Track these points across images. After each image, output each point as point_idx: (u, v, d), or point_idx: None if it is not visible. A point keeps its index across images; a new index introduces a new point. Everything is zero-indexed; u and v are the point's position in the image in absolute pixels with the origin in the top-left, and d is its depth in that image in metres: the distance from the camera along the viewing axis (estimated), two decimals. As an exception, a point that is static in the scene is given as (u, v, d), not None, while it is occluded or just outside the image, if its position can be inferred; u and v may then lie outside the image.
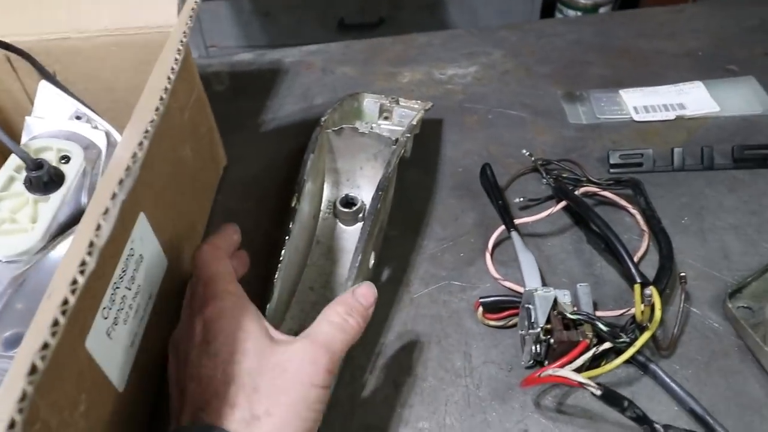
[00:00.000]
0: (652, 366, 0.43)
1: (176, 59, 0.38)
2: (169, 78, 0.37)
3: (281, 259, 0.47)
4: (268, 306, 0.45)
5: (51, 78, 0.54)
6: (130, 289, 0.40)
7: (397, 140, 0.54)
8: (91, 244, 0.27)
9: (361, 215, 0.55)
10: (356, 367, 0.46)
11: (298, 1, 1.34)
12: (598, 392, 0.35)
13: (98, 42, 0.53)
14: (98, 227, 0.28)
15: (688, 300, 0.49)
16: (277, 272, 0.46)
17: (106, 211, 0.28)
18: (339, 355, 0.37)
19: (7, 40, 0.52)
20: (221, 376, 0.35)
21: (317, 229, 0.55)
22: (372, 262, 0.49)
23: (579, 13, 1.49)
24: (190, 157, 0.53)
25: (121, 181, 0.31)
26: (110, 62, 0.55)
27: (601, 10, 1.48)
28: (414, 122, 0.58)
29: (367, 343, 0.47)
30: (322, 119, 0.57)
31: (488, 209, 0.57)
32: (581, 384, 0.35)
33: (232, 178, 0.62)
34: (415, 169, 0.61)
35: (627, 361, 0.44)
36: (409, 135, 0.56)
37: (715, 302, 0.48)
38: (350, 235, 0.55)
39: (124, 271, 0.39)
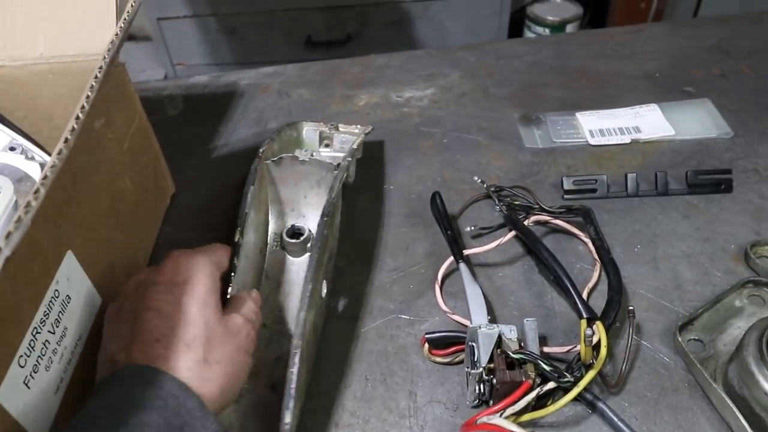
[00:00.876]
0: (600, 404, 0.42)
1: (87, 96, 0.36)
2: (80, 112, 0.36)
3: (228, 297, 0.44)
4: None
5: (-15, 107, 0.52)
6: (53, 333, 0.38)
7: (338, 165, 0.53)
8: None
9: (309, 245, 0.53)
10: (299, 407, 0.44)
11: (264, 18, 1.33)
12: (532, 442, 0.33)
13: (34, 70, 0.52)
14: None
15: (639, 333, 0.48)
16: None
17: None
18: (256, 333, 0.42)
19: (-64, 68, 0.50)
20: (182, 317, 0.38)
21: (265, 263, 0.53)
22: (324, 291, 0.48)
23: (547, 30, 1.50)
24: (130, 188, 0.51)
25: (18, 220, 0.29)
26: (47, 90, 0.53)
27: (569, 27, 1.49)
28: (354, 146, 0.57)
29: (311, 381, 0.45)
30: (260, 150, 0.56)
31: (440, 238, 0.56)
32: (513, 433, 0.34)
33: (180, 206, 0.60)
34: (367, 195, 0.60)
35: (575, 399, 0.43)
36: (350, 159, 0.55)
37: (666, 335, 0.48)
38: (300, 266, 0.53)
39: (46, 315, 0.37)
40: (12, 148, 0.50)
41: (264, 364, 0.46)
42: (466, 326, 0.48)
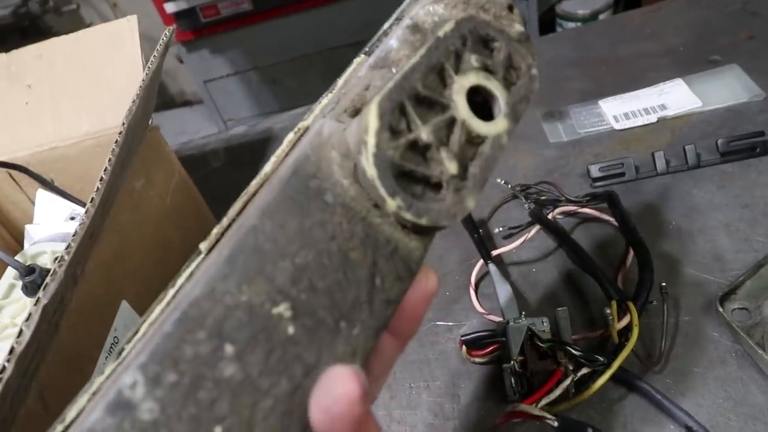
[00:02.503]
0: (642, 384, 0.42)
1: (113, 151, 0.41)
2: (108, 166, 0.40)
3: None
4: None
5: (49, 185, 0.58)
6: (116, 378, 0.42)
7: None
8: (11, 351, 0.29)
9: None
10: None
11: (301, 63, 1.39)
12: (555, 424, 0.34)
13: (83, 146, 0.58)
14: (20, 333, 0.29)
15: (680, 308, 0.47)
16: None
17: (29, 317, 0.30)
18: None
19: (4, 158, 0.57)
20: None
21: None
22: None
23: (579, 25, 1.48)
24: (177, 239, 0.56)
25: (45, 285, 0.33)
26: (97, 162, 0.59)
27: (601, 17, 1.47)
28: None
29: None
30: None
31: (471, 244, 0.57)
32: (538, 417, 0.34)
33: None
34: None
35: (617, 382, 0.43)
36: None
37: (709, 308, 0.46)
38: None
39: (106, 359, 0.41)
40: (72, 218, 0.56)
41: None
42: (503, 325, 0.48)
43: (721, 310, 0.44)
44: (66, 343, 0.37)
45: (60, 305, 0.37)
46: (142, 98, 0.45)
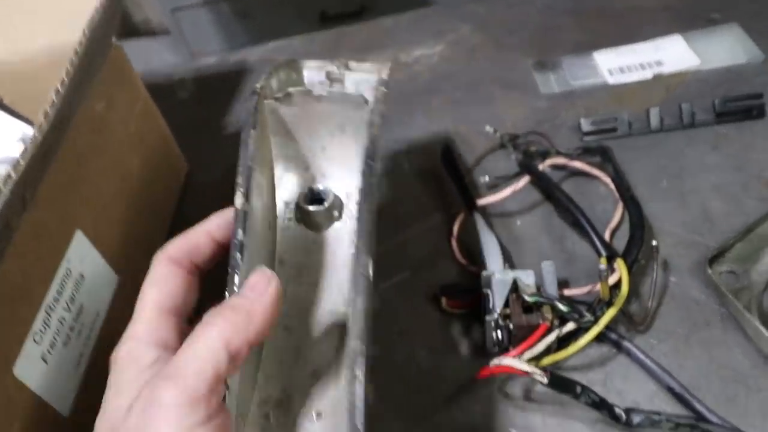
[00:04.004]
0: (626, 343, 0.40)
1: (67, 71, 0.36)
2: (59, 86, 0.36)
3: (235, 289, 0.31)
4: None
5: (-1, 103, 0.53)
6: (69, 311, 0.39)
7: (366, 99, 0.39)
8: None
9: (336, 213, 0.40)
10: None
11: (275, -1, 1.32)
12: (545, 380, 0.32)
13: (37, 63, 0.52)
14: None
15: (667, 269, 0.45)
16: None
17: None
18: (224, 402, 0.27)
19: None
20: None
21: (276, 243, 0.39)
22: (371, 270, 0.33)
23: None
24: (140, 168, 0.52)
25: None
26: (53, 81, 0.54)
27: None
28: (384, 76, 0.41)
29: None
30: (258, 85, 0.39)
31: (456, 194, 0.54)
32: (526, 372, 0.32)
33: (196, 184, 0.61)
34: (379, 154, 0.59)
35: (600, 341, 0.42)
36: (385, 90, 0.40)
37: (696, 269, 0.45)
38: (327, 244, 0.39)
39: (59, 293, 0.38)
40: (23, 140, 0.51)
41: (296, 386, 0.35)
42: (484, 276, 0.46)
43: (709, 272, 0.43)
44: (10, 273, 0.34)
45: (5, 230, 0.33)
46: (107, 8, 0.40)
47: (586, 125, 0.56)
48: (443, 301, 0.45)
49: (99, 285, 0.43)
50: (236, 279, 0.31)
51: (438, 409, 0.40)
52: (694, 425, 0.33)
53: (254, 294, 0.29)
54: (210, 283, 0.34)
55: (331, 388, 0.34)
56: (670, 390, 0.38)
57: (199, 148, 0.63)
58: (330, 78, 0.43)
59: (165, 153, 0.58)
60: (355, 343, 0.30)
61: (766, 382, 0.38)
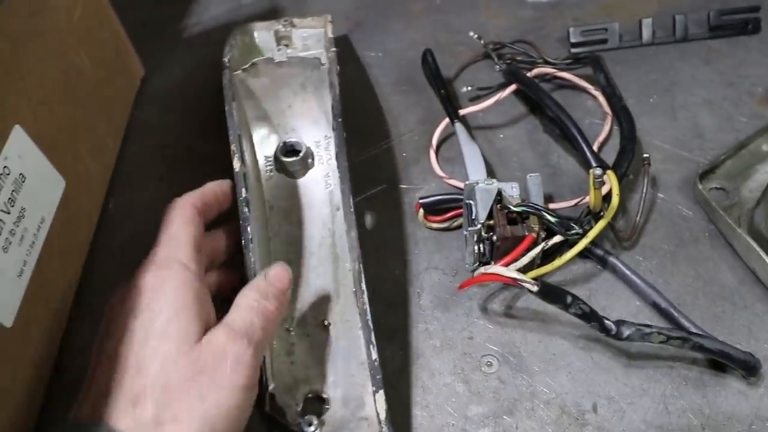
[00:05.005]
0: (611, 259, 0.39)
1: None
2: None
3: (250, 238, 0.37)
4: None
5: None
6: (8, 213, 0.35)
7: (321, 61, 0.45)
8: None
9: (310, 161, 0.45)
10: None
11: None
12: (534, 288, 0.30)
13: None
14: None
15: (656, 185, 0.43)
16: (250, 254, 0.37)
17: None
18: (261, 346, 0.31)
19: None
20: (133, 360, 0.29)
21: (264, 192, 0.45)
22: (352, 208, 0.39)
23: None
24: (88, 65, 0.46)
25: None
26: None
27: None
28: (330, 34, 0.49)
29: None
30: (225, 59, 0.47)
31: (434, 104, 0.51)
32: (515, 281, 0.30)
33: (152, 89, 0.55)
34: (352, 65, 0.55)
35: (584, 256, 0.40)
36: (334, 49, 0.46)
37: (685, 186, 0.43)
38: (305, 187, 0.45)
39: (-5, 193, 0.34)
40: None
41: (305, 305, 0.40)
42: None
43: (699, 187, 0.41)
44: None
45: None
46: None
47: (574, 36, 0.52)
48: (421, 214, 0.42)
49: (43, 188, 0.39)
50: (249, 229, 0.37)
51: (413, 326, 0.38)
52: (686, 338, 0.32)
53: (279, 285, 0.34)
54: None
55: (334, 303, 0.39)
56: (656, 306, 0.37)
57: (155, 51, 0.58)
58: (278, 36, 0.51)
59: (117, 52, 0.52)
60: (354, 264, 0.37)
61: (752, 299, 0.37)
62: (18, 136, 0.36)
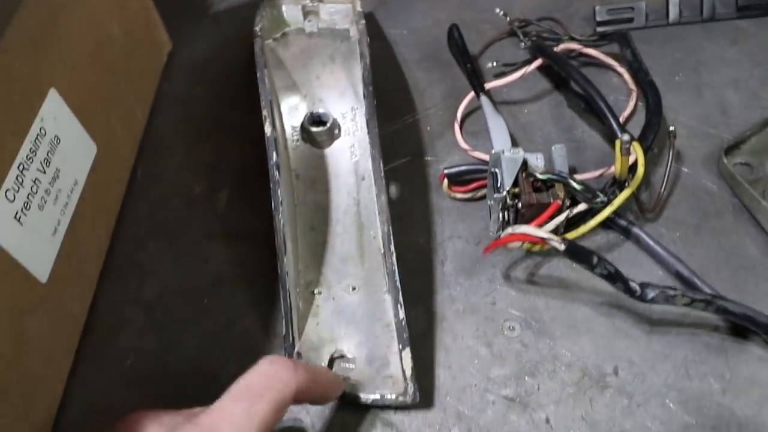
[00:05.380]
0: (635, 230, 0.39)
1: None
2: None
3: (280, 200, 0.38)
4: (285, 258, 0.37)
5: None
6: (44, 173, 0.36)
7: (351, 33, 0.46)
8: None
9: (336, 131, 0.46)
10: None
11: None
12: (562, 247, 0.30)
13: None
14: None
15: (680, 160, 0.44)
16: (280, 216, 0.38)
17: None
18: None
19: None
20: None
21: (290, 161, 0.46)
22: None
23: None
24: (119, 35, 0.47)
25: None
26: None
27: None
28: (359, 8, 0.48)
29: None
30: (257, 28, 0.47)
31: (459, 80, 0.51)
32: (543, 239, 0.30)
33: (179, 64, 0.56)
34: (377, 42, 0.55)
35: (607, 227, 0.40)
36: (364, 21, 0.47)
37: (709, 161, 0.43)
38: (331, 157, 0.46)
39: (33, 152, 0.35)
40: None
41: (331, 270, 0.40)
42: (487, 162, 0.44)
43: (725, 161, 0.41)
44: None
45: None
46: None
47: (600, 14, 0.52)
48: (445, 185, 0.43)
49: (76, 151, 0.40)
50: (279, 192, 0.38)
51: (437, 292, 0.39)
52: (710, 301, 0.32)
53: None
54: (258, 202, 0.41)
55: (359, 269, 0.40)
56: (679, 276, 0.37)
57: (182, 25, 0.58)
58: (305, 11, 0.49)
59: (146, 24, 0.53)
60: (383, 226, 0.38)
61: (776, 270, 0.37)
62: (53, 99, 0.37)
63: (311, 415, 0.34)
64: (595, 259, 0.30)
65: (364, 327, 0.37)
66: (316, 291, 0.39)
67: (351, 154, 0.45)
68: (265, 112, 0.41)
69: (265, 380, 0.27)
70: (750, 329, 0.34)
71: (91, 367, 0.38)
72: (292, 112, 0.47)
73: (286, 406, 0.27)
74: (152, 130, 0.50)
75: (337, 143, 0.46)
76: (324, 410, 0.35)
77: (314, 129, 0.45)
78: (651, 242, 0.38)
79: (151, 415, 0.28)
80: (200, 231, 0.43)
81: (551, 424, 0.33)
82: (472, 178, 0.43)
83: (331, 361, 0.36)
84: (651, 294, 0.32)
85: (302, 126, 0.46)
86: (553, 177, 0.37)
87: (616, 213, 0.39)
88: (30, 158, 0.35)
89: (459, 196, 0.43)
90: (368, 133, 0.41)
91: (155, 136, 0.50)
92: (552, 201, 0.36)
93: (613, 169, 0.39)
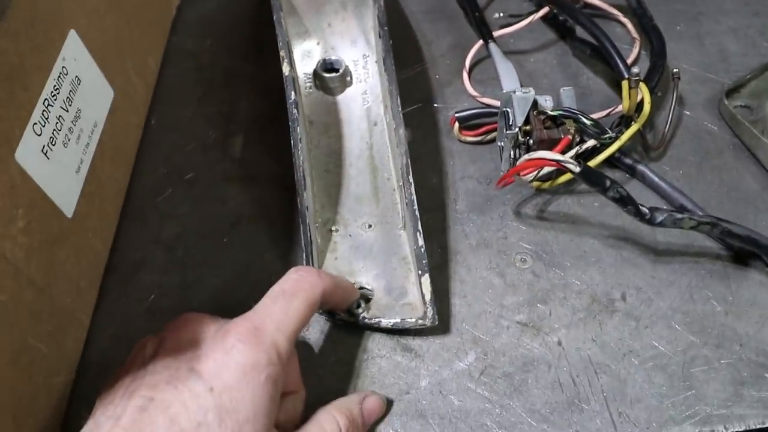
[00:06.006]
0: (640, 167, 0.40)
1: None
2: None
3: (299, 138, 0.39)
4: (304, 194, 0.38)
5: None
6: (67, 111, 0.37)
7: None
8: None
9: (348, 78, 0.47)
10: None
11: None
12: (577, 169, 0.32)
13: None
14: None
15: (682, 104, 0.45)
16: (299, 153, 0.38)
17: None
18: None
19: None
20: None
21: (304, 107, 0.46)
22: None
23: None
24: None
25: None
26: None
27: None
28: None
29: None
30: None
31: (466, 31, 0.52)
32: (559, 162, 0.32)
33: (187, 19, 0.56)
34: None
35: (613, 165, 0.42)
36: None
37: (710, 104, 0.45)
38: (343, 103, 0.47)
39: (56, 89, 0.36)
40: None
41: (346, 210, 0.41)
42: (497, 107, 0.45)
43: (726, 102, 0.42)
44: (6, 53, 0.31)
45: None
46: None
47: (603, -33, 0.53)
48: (456, 128, 0.44)
49: (95, 93, 0.40)
50: (298, 129, 0.39)
51: (450, 228, 0.40)
52: (715, 223, 0.33)
53: (368, 420, 0.32)
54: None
55: (374, 208, 0.41)
56: (683, 209, 0.38)
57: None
58: None
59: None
60: (402, 158, 0.39)
61: (775, 203, 0.39)
62: (74, 39, 0.38)
63: (335, 342, 0.36)
64: (608, 182, 0.32)
65: (381, 261, 0.39)
66: (333, 228, 0.40)
67: (363, 100, 0.46)
68: (282, 53, 0.42)
69: (295, 284, 0.30)
70: (752, 254, 0.36)
71: (115, 303, 0.39)
72: (304, 59, 0.48)
73: (316, 305, 0.30)
74: (164, 81, 0.51)
75: (349, 90, 0.47)
76: (345, 337, 0.36)
77: (327, 75, 0.46)
78: (656, 178, 0.40)
79: (200, 315, 0.31)
80: (217, 175, 0.44)
81: (563, 345, 0.35)
82: (482, 122, 0.44)
83: (351, 292, 0.37)
84: (660, 217, 0.33)
85: (315, 73, 0.47)
86: (564, 113, 0.38)
87: (622, 152, 0.40)
88: (54, 95, 0.35)
89: (469, 139, 0.44)
90: (385, 69, 0.41)
91: (167, 87, 0.51)
92: (563, 136, 0.37)
93: (619, 108, 0.40)
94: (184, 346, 0.28)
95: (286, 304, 0.29)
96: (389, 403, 0.33)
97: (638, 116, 0.39)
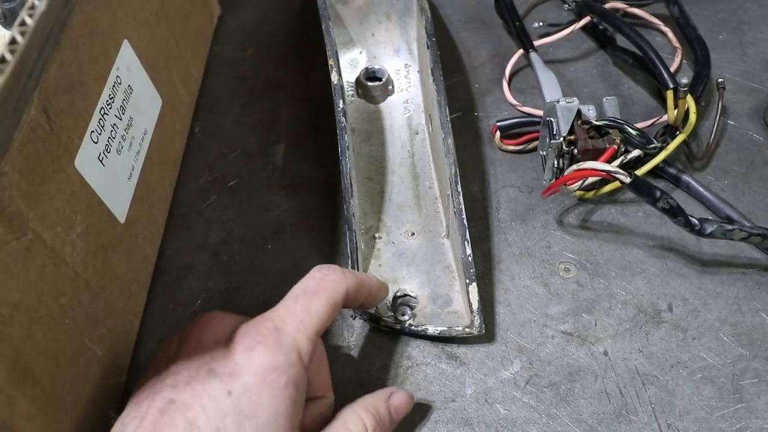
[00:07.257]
0: (685, 177, 0.40)
1: None
2: None
3: (347, 145, 0.39)
4: (351, 201, 0.38)
5: None
6: (120, 119, 0.38)
7: None
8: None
9: (390, 87, 0.48)
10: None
11: None
12: (627, 180, 0.32)
13: None
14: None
15: (726, 113, 0.45)
16: (346, 160, 0.39)
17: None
18: None
19: None
20: None
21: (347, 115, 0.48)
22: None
23: None
24: (179, -6, 0.49)
25: None
26: None
27: None
28: None
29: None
30: None
31: (504, 40, 0.53)
32: (609, 173, 0.32)
33: (228, 29, 0.58)
34: (424, 3, 0.56)
35: (657, 175, 0.41)
36: None
37: (755, 114, 0.44)
38: (385, 112, 0.47)
39: (111, 98, 0.37)
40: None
41: (389, 218, 0.42)
42: (537, 116, 0.45)
43: (772, 113, 0.42)
44: (67, 63, 0.32)
45: (64, 12, 0.31)
46: None
47: (644, -24, 0.53)
48: (497, 137, 0.44)
49: (145, 102, 0.41)
50: (345, 137, 0.39)
51: (493, 236, 0.40)
52: (766, 234, 0.33)
53: (395, 416, 0.31)
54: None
55: (416, 216, 0.42)
56: (730, 220, 0.38)
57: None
58: None
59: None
60: (450, 168, 0.39)
61: (824, 215, 0.38)
62: (127, 49, 0.39)
63: (380, 349, 0.36)
64: (658, 193, 0.32)
65: (425, 269, 0.39)
66: (376, 236, 0.41)
67: (404, 109, 0.47)
68: (331, 62, 0.42)
69: (318, 283, 0.29)
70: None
71: (162, 307, 0.40)
72: (348, 67, 0.49)
73: (339, 305, 0.30)
74: (207, 90, 0.52)
75: (390, 99, 0.48)
76: (389, 344, 0.36)
77: (370, 84, 0.47)
78: (701, 188, 0.39)
79: (223, 314, 0.31)
80: (260, 182, 0.45)
81: (609, 356, 0.35)
82: (523, 131, 0.44)
83: (395, 300, 0.38)
84: (710, 228, 0.33)
85: (357, 81, 0.48)
86: (609, 123, 0.38)
87: (666, 162, 0.40)
88: (109, 104, 0.36)
89: (510, 148, 0.44)
90: (434, 80, 0.41)
91: (210, 96, 0.52)
92: (608, 146, 0.37)
93: (663, 118, 0.40)
94: (204, 345, 0.28)
95: (307, 304, 0.28)
96: (431, 410, 0.33)
97: (684, 126, 0.39)
